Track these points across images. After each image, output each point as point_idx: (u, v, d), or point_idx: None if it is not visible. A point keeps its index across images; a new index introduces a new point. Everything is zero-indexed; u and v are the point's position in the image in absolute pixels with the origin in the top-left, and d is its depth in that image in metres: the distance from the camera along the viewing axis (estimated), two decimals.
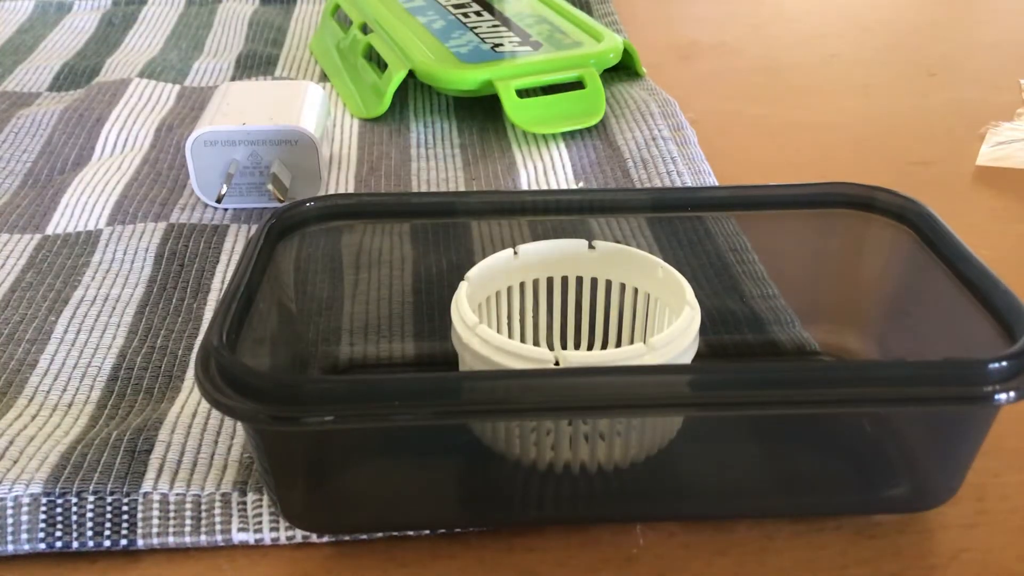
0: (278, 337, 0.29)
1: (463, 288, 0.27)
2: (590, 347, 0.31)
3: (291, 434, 0.23)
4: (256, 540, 0.25)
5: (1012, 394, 0.22)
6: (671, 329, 0.25)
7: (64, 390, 0.30)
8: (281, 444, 0.24)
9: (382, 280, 0.33)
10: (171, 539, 0.25)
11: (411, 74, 0.48)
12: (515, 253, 0.29)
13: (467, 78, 0.47)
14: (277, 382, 0.22)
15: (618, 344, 0.30)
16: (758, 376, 0.22)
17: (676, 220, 0.33)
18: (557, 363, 0.24)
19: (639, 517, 0.26)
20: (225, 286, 0.25)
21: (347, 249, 0.31)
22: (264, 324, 0.26)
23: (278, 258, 0.28)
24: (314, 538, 0.25)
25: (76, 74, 0.55)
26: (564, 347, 0.31)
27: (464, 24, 0.53)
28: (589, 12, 0.63)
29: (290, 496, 0.25)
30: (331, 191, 0.42)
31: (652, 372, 0.23)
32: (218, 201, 0.39)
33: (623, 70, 0.53)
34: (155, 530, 0.25)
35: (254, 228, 0.38)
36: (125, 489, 0.26)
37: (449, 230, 0.32)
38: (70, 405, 0.30)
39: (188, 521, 0.25)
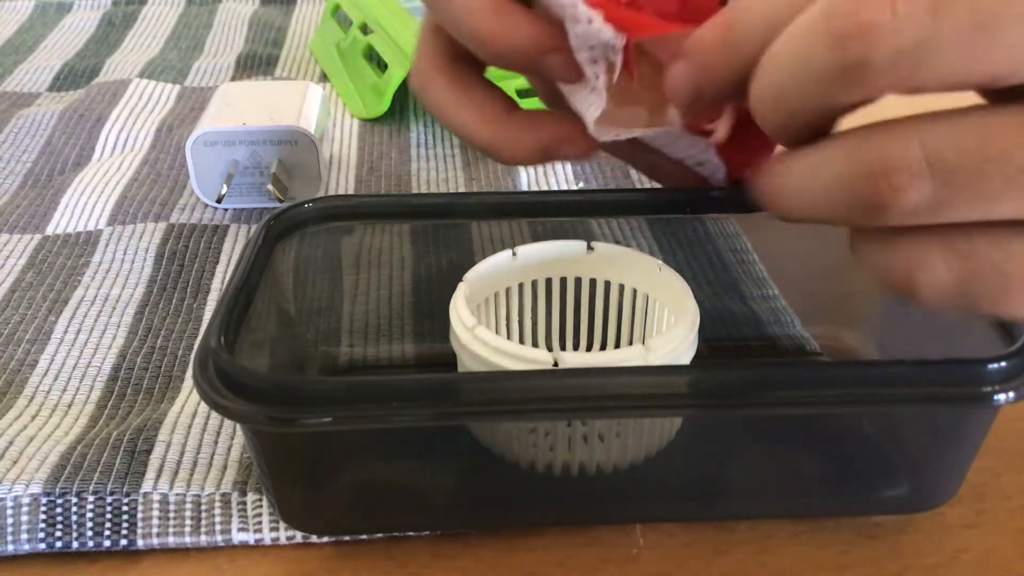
0: (277, 338, 0.28)
1: (461, 289, 0.27)
2: (589, 348, 0.31)
3: (289, 436, 0.23)
4: (256, 540, 0.25)
5: (1012, 394, 0.21)
6: (670, 330, 0.25)
7: (64, 390, 0.30)
8: (279, 446, 0.24)
9: (382, 281, 0.33)
10: (171, 539, 0.25)
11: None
12: (514, 254, 0.29)
13: None
14: (275, 383, 0.22)
15: (617, 345, 0.30)
16: (757, 377, 0.22)
17: (676, 221, 0.33)
18: (556, 364, 0.24)
19: (638, 518, 0.26)
20: (224, 287, 0.25)
21: (346, 250, 0.31)
22: (263, 325, 0.26)
23: (277, 259, 0.28)
24: (314, 538, 0.25)
25: (76, 74, 0.55)
26: (563, 348, 0.31)
27: None
28: None
29: (288, 498, 0.25)
30: (331, 191, 0.42)
31: (651, 373, 0.23)
32: (218, 201, 0.39)
33: None
34: (155, 530, 0.25)
35: (254, 228, 0.38)
36: (125, 489, 0.26)
37: (448, 231, 0.32)
38: (70, 405, 0.30)
39: (188, 521, 0.25)
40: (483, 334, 0.25)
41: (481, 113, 0.28)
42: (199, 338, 0.32)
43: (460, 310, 0.26)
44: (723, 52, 0.21)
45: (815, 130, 0.19)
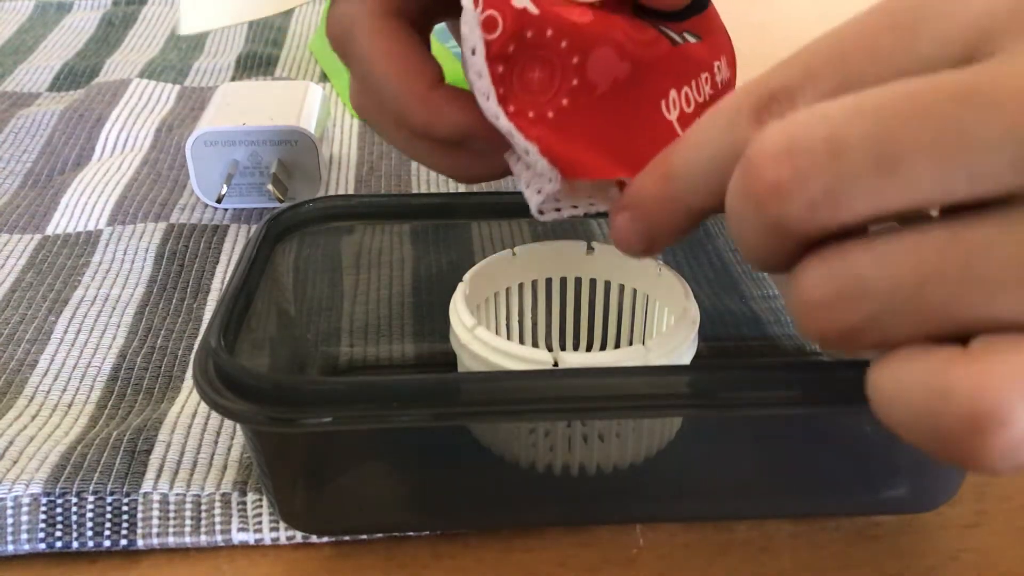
0: (277, 338, 0.28)
1: (461, 289, 0.27)
2: (589, 348, 0.31)
3: (289, 436, 0.23)
4: (256, 540, 0.25)
5: None
6: (670, 330, 0.25)
7: (64, 390, 0.30)
8: (279, 446, 0.24)
9: (382, 281, 0.33)
10: (171, 539, 0.25)
11: None
12: (514, 254, 0.29)
13: None
14: (275, 383, 0.22)
15: (617, 345, 0.30)
16: (756, 377, 0.22)
17: None
18: (556, 364, 0.24)
19: (638, 518, 0.26)
20: (224, 287, 0.25)
21: (346, 250, 0.31)
22: (262, 325, 0.26)
23: (276, 259, 0.28)
24: (314, 538, 0.25)
25: (76, 74, 0.55)
26: (563, 348, 0.30)
27: None
28: None
29: (288, 498, 0.25)
30: (331, 191, 0.42)
31: (650, 373, 0.23)
32: (218, 201, 0.39)
33: None
34: (155, 530, 0.25)
35: (254, 228, 0.38)
36: (125, 489, 0.26)
37: (449, 231, 0.32)
38: (70, 405, 0.30)
39: (188, 521, 0.25)
40: (483, 334, 0.25)
41: (433, 148, 0.28)
42: (199, 338, 0.32)
43: (460, 310, 0.26)
44: (666, 205, 0.21)
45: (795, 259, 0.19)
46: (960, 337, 0.16)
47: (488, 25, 0.22)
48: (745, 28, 0.63)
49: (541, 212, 0.25)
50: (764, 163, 0.17)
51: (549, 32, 0.23)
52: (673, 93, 0.25)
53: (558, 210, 0.25)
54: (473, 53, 0.22)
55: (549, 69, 0.23)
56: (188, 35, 0.40)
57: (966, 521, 0.26)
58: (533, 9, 0.23)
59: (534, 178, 0.24)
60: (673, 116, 0.25)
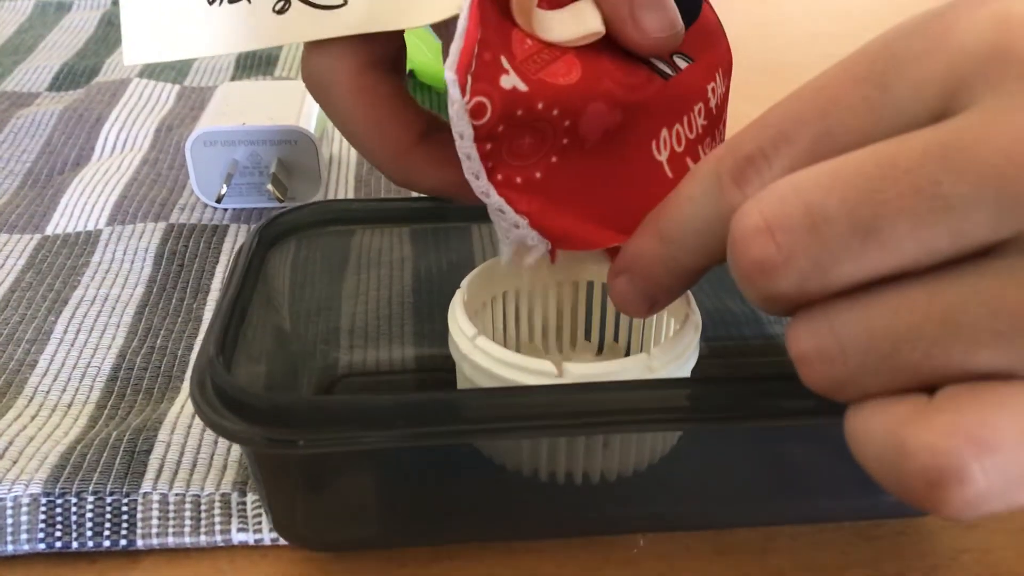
0: (273, 347, 0.28)
1: (459, 296, 0.26)
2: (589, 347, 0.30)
3: (287, 454, 0.23)
4: (256, 541, 0.25)
5: None
6: (672, 338, 0.25)
7: (64, 390, 0.30)
8: (277, 464, 0.23)
9: (381, 283, 0.33)
10: (171, 539, 0.25)
11: (411, 74, 0.48)
12: None
13: None
14: (274, 404, 0.21)
15: (616, 344, 0.30)
16: (760, 389, 0.22)
17: None
18: (559, 372, 0.23)
19: (640, 527, 0.26)
20: (219, 298, 0.25)
21: (341, 255, 0.31)
22: (258, 334, 0.26)
23: (270, 266, 0.27)
24: None
25: (75, 74, 0.55)
26: (561, 351, 0.30)
27: None
28: None
29: (288, 512, 0.24)
30: (331, 191, 0.42)
31: (655, 387, 0.23)
32: (218, 201, 0.39)
33: None
34: (155, 530, 0.25)
35: (247, 234, 0.38)
36: (125, 489, 0.26)
37: (448, 233, 0.32)
38: (70, 405, 0.30)
39: (188, 521, 0.25)
40: (484, 344, 0.24)
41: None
42: (195, 350, 0.32)
43: (459, 319, 0.25)
44: (663, 266, 0.21)
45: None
46: (932, 386, 0.17)
47: (476, 112, 0.21)
48: (747, 27, 0.64)
49: (515, 264, 0.25)
50: (747, 242, 0.17)
51: (540, 105, 0.22)
52: (664, 132, 0.25)
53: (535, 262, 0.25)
54: (462, 138, 0.22)
55: (540, 135, 0.23)
56: (133, 64, 0.39)
57: (966, 522, 0.26)
58: (522, 86, 0.22)
59: (505, 240, 0.24)
60: (663, 157, 0.25)
